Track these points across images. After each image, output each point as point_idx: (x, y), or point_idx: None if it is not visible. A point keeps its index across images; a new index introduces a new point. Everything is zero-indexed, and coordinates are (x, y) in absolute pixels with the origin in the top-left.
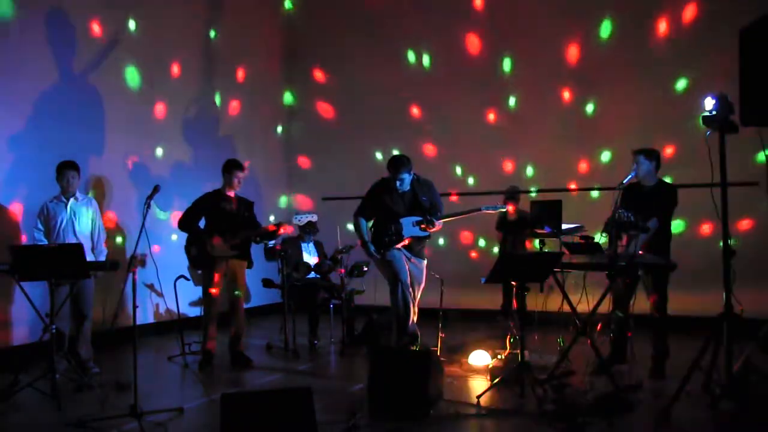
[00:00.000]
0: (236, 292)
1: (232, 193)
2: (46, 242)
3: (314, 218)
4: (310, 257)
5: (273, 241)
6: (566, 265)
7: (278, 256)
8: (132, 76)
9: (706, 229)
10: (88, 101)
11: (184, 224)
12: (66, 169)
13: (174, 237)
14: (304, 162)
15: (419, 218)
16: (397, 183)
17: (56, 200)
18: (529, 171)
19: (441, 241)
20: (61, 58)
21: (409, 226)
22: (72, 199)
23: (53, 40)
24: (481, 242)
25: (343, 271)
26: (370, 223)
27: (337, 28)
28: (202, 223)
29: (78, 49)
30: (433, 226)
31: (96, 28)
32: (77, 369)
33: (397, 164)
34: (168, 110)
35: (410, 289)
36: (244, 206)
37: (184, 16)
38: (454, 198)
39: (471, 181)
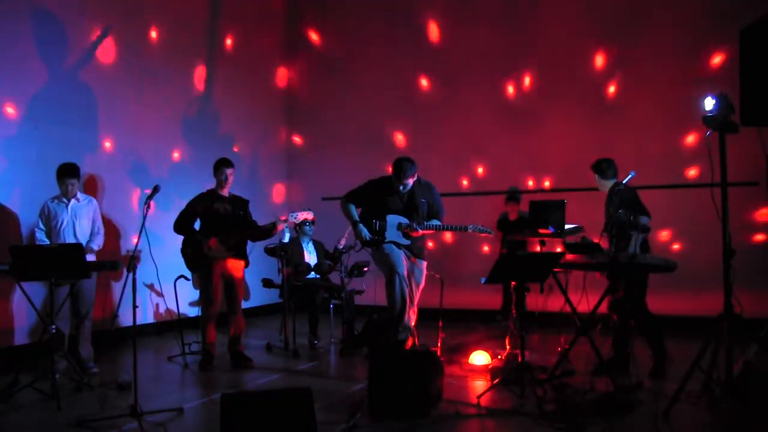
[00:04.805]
0: (235, 292)
1: (225, 193)
2: (48, 242)
3: (310, 215)
4: (310, 257)
5: (287, 235)
6: (566, 265)
7: (279, 254)
8: (131, 74)
9: (705, 229)
10: (85, 100)
11: (179, 226)
12: (65, 176)
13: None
14: (304, 161)
15: (406, 221)
16: (401, 187)
17: (57, 200)
18: (533, 171)
19: (441, 241)
20: (56, 56)
21: (393, 228)
22: (73, 200)
23: (48, 38)
24: (481, 243)
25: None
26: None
27: (342, 29)
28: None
29: (74, 47)
30: (417, 233)
31: (90, 24)
32: (77, 369)
33: (401, 170)
34: (168, 109)
35: (407, 283)
36: (238, 205)
37: (185, 13)
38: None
39: (473, 182)
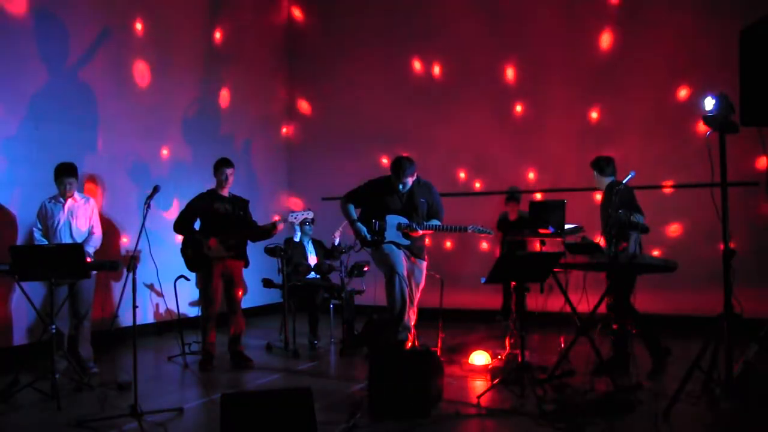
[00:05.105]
0: (235, 292)
1: (225, 192)
2: (45, 242)
3: (310, 215)
4: (311, 257)
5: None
6: (566, 265)
7: (279, 254)
8: (131, 73)
9: (705, 229)
10: (85, 100)
11: (179, 227)
12: (63, 176)
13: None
14: (304, 161)
15: (406, 221)
16: (400, 186)
17: (54, 201)
18: (531, 173)
19: (441, 241)
20: (56, 56)
21: (393, 228)
22: (69, 200)
23: (48, 38)
24: (481, 242)
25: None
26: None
27: (340, 27)
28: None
29: (74, 47)
30: (417, 233)
31: (90, 24)
32: (77, 369)
33: (400, 169)
34: (168, 109)
35: (407, 283)
36: (238, 205)
37: (184, 13)
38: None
39: (473, 181)
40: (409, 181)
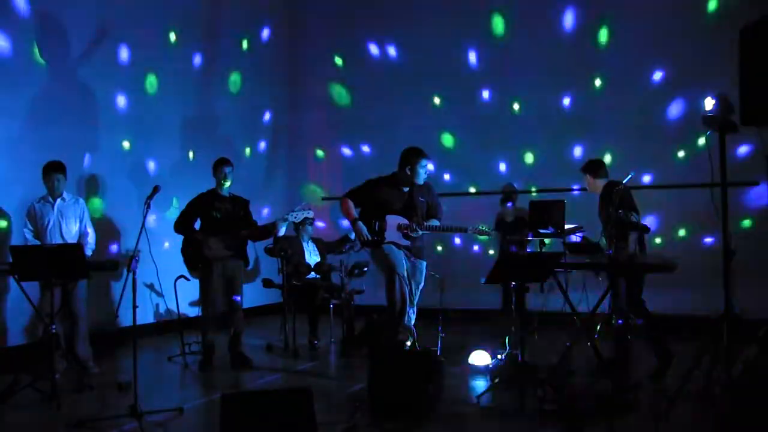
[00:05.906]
0: (235, 295)
1: (226, 192)
2: (37, 242)
3: (311, 214)
4: (311, 257)
5: (283, 229)
6: (566, 265)
7: (279, 254)
8: (131, 74)
9: (706, 229)
10: (84, 100)
11: (179, 226)
12: (52, 171)
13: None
14: (304, 161)
15: (406, 222)
16: (422, 172)
17: (43, 201)
18: (529, 170)
19: (441, 240)
20: (56, 56)
21: (393, 228)
22: (59, 200)
23: (48, 38)
24: (481, 242)
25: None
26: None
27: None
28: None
29: (72, 47)
30: (417, 234)
31: (90, 24)
32: (77, 369)
33: (418, 156)
34: (167, 109)
35: (407, 283)
36: (239, 205)
37: (184, 13)
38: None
39: (469, 182)
40: (429, 166)
